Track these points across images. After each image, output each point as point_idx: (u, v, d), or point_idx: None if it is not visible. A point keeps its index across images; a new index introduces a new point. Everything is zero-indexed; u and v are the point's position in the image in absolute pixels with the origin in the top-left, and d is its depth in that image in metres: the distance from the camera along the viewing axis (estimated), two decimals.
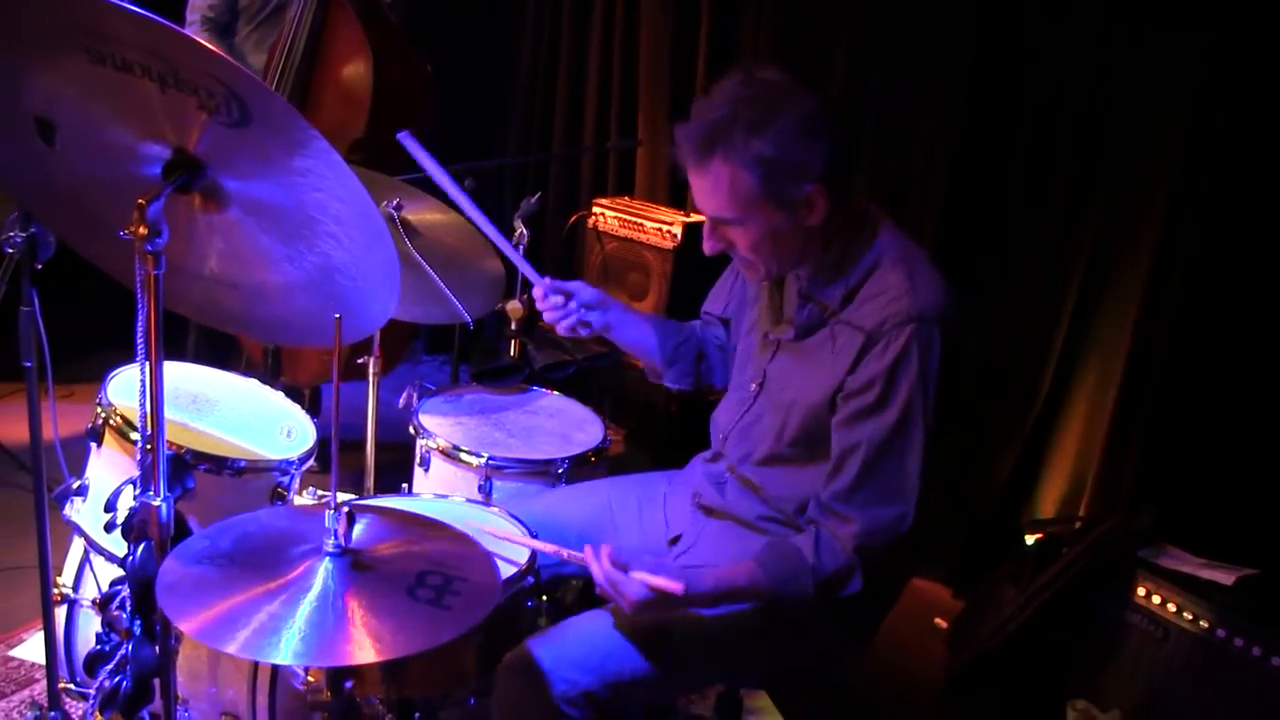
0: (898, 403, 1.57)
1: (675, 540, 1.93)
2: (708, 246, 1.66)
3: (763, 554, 1.66)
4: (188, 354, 3.46)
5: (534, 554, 1.77)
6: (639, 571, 1.58)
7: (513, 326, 2.74)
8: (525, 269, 2.00)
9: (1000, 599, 2.65)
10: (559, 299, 1.91)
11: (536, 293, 1.95)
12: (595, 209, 3.43)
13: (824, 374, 1.65)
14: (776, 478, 1.77)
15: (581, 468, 2.24)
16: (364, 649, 1.23)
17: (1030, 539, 2.69)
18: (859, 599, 1.66)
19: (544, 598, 1.86)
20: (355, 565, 1.35)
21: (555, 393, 2.61)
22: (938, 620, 2.91)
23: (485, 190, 4.35)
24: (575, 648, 1.66)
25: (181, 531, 1.39)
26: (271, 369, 3.19)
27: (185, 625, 1.23)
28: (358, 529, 1.39)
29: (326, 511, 1.34)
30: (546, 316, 1.93)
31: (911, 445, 1.58)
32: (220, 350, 3.48)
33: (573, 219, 3.62)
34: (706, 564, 1.78)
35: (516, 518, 1.92)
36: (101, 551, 1.91)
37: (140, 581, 1.36)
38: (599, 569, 1.59)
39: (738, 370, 1.89)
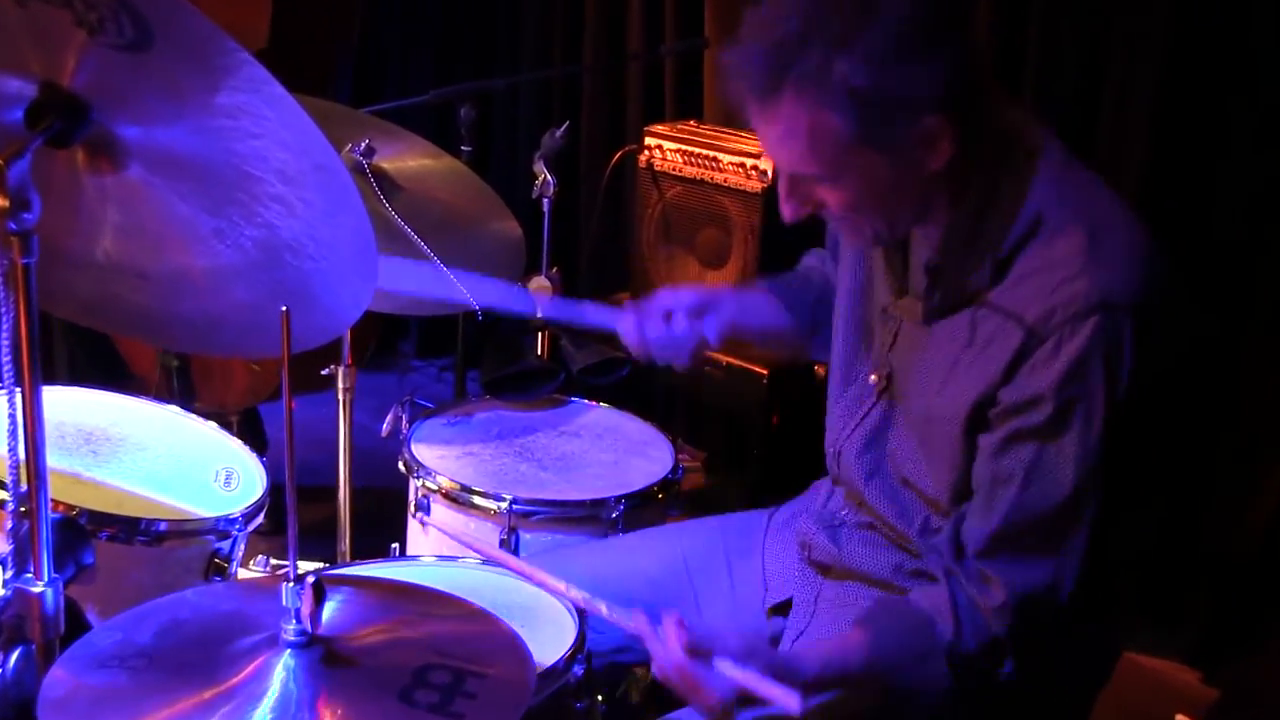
0: (1072, 429, 1.55)
1: (781, 609, 1.92)
2: (786, 211, 1.66)
3: (873, 620, 1.65)
4: (57, 374, 3.48)
5: (582, 628, 1.77)
6: (727, 664, 1.54)
7: (539, 314, 2.75)
8: (597, 317, 2.02)
9: None
10: (658, 324, 1.94)
11: (627, 334, 1.98)
12: (649, 141, 3.41)
13: (962, 378, 1.64)
14: (917, 515, 1.76)
15: (644, 510, 2.24)
16: None
17: None
18: (1032, 689, 1.64)
19: (599, 696, 1.86)
20: (328, 659, 1.35)
21: (603, 405, 2.61)
22: (1180, 718, 2.84)
23: (492, 123, 4.40)
24: None
25: (76, 627, 1.40)
26: (179, 392, 3.21)
27: None
28: (330, 608, 1.39)
29: (284, 586, 1.34)
30: (658, 356, 1.96)
31: (1083, 488, 1.56)
32: (101, 367, 3.51)
33: (617, 157, 3.60)
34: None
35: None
36: None
37: (13, 702, 1.37)
38: (662, 649, 1.55)
39: (842, 348, 1.88)
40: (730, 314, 1.97)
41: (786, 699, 1.49)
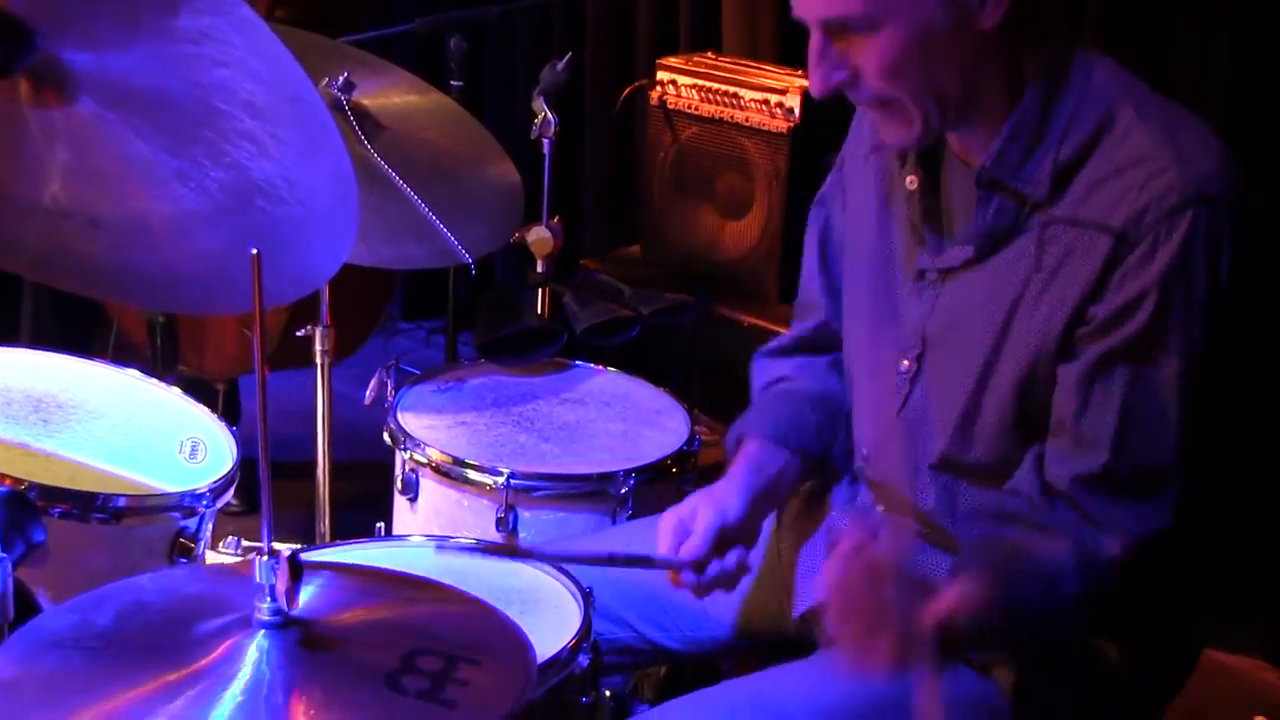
0: (1175, 340, 1.55)
1: (809, 618, 1.88)
2: (816, 80, 1.63)
3: (1000, 575, 1.62)
4: (21, 335, 3.50)
5: (587, 613, 1.78)
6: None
7: (539, 268, 2.74)
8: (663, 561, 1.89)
9: None
10: (708, 561, 1.81)
11: (679, 576, 1.84)
12: (661, 75, 3.40)
13: (1033, 311, 1.63)
14: (967, 502, 1.75)
15: (656, 486, 2.24)
16: None
17: None
18: (1119, 681, 1.65)
19: (606, 692, 1.87)
20: (306, 642, 1.35)
21: (611, 370, 2.60)
22: (1258, 718, 2.85)
23: (486, 55, 4.38)
24: None
25: (26, 613, 1.40)
26: (163, 354, 3.22)
27: None
28: (309, 590, 1.39)
29: (257, 560, 1.34)
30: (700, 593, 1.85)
31: (1190, 410, 1.56)
32: (75, 328, 3.52)
33: (626, 93, 3.59)
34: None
35: (561, 569, 1.92)
36: None
37: None
38: (844, 547, 1.53)
39: (867, 346, 1.86)
40: (771, 508, 1.91)
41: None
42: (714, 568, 1.80)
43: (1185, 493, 1.59)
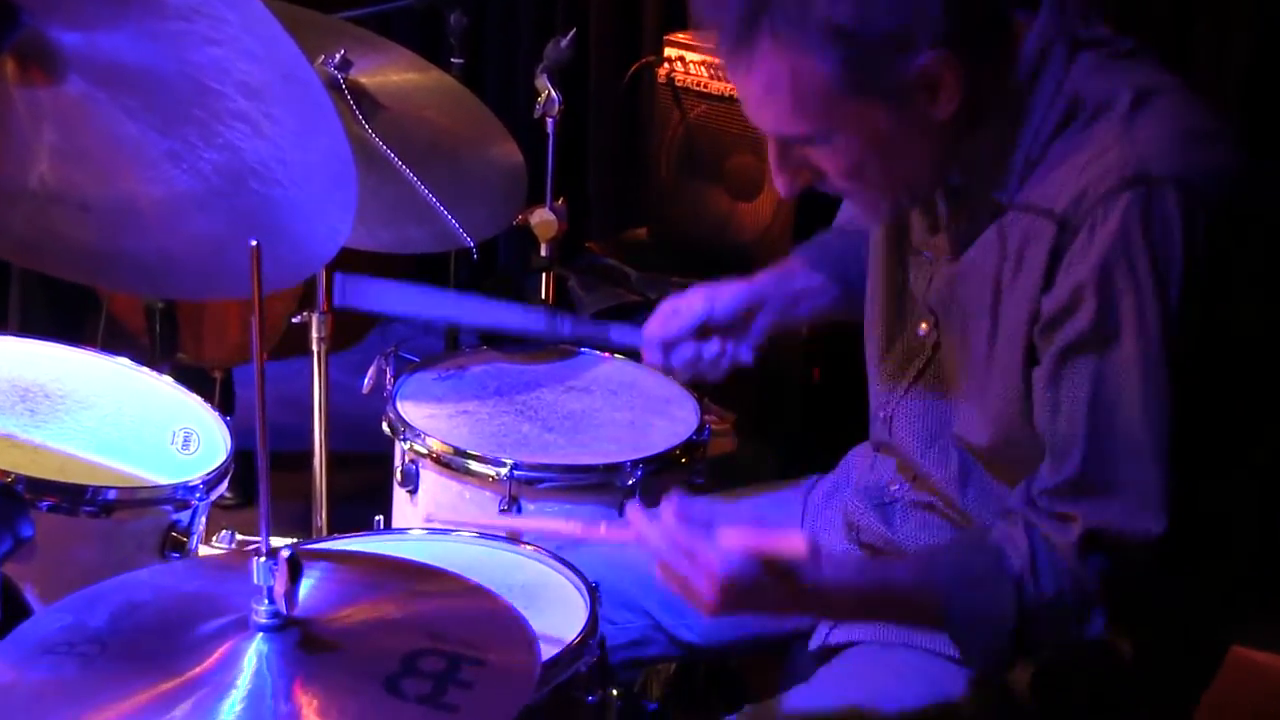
0: (1124, 332, 1.52)
1: None
2: (780, 184, 1.68)
3: (944, 547, 1.67)
4: (9, 322, 3.49)
5: (593, 607, 1.78)
6: (732, 531, 1.56)
7: (543, 252, 2.74)
8: (622, 336, 2.07)
9: None
10: (686, 348, 1.96)
11: (650, 356, 2.01)
12: (669, 51, 3.40)
13: (1008, 300, 1.62)
14: (981, 491, 1.76)
15: (664, 477, 2.23)
16: None
17: None
18: (1138, 678, 1.64)
19: (614, 691, 1.86)
20: (305, 643, 1.35)
21: (618, 356, 2.60)
22: None
23: (487, 30, 4.37)
24: None
25: (13, 610, 1.41)
26: (161, 342, 3.23)
27: None
28: (307, 585, 1.39)
29: (254, 561, 1.34)
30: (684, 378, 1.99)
31: (1157, 399, 1.53)
32: (65, 315, 3.53)
33: (632, 70, 3.60)
34: (867, 643, 1.79)
35: (564, 562, 1.93)
36: None
37: None
38: (650, 528, 1.59)
39: (882, 298, 1.87)
40: (774, 315, 2.01)
41: (791, 545, 1.54)
42: (687, 351, 1.96)
43: (1179, 487, 1.55)
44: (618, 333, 2.09)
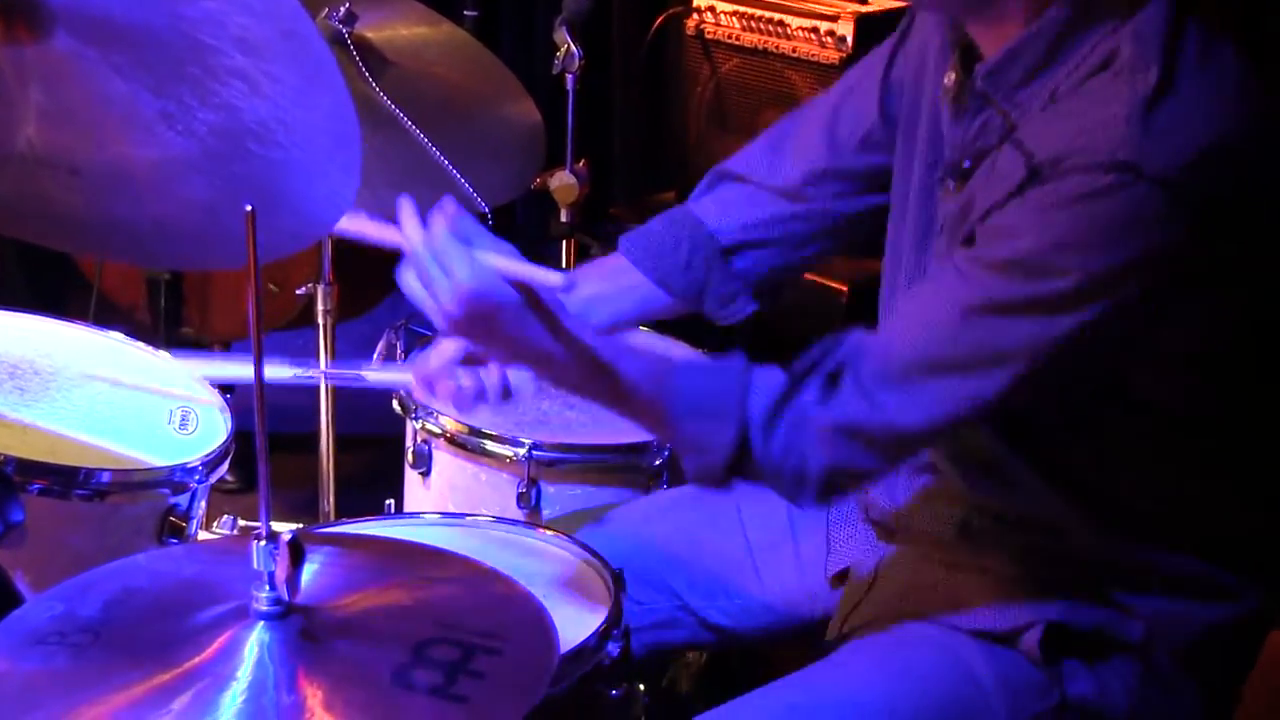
0: (1030, 279, 1.53)
1: (841, 578, 1.95)
2: None
3: (683, 366, 1.74)
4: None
5: (617, 596, 1.80)
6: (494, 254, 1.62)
7: (564, 218, 2.74)
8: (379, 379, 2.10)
9: None
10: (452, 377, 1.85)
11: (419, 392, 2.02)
12: (698, 1, 3.39)
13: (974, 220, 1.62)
14: (976, 452, 1.75)
15: None
16: None
17: None
18: (1175, 665, 1.68)
19: (640, 685, 1.87)
20: (309, 632, 1.35)
21: (644, 329, 2.60)
22: None
23: None
24: None
25: (3, 599, 1.42)
26: (166, 314, 3.24)
27: None
28: (310, 571, 1.39)
29: (254, 544, 1.34)
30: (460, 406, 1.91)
31: (995, 368, 1.56)
32: (51, 286, 3.55)
33: (659, 21, 3.58)
34: (877, 638, 1.81)
35: (587, 548, 1.93)
36: None
37: None
38: (416, 231, 1.62)
39: (908, 239, 1.85)
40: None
41: (542, 277, 1.60)
42: (454, 382, 1.83)
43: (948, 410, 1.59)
44: (374, 374, 2.10)
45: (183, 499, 2.00)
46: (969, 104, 1.67)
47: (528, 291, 1.60)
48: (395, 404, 2.36)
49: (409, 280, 1.64)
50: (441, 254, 1.60)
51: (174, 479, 1.99)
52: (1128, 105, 1.51)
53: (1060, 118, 1.56)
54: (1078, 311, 1.52)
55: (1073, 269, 1.51)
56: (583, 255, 2.75)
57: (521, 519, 2.13)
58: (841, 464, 1.63)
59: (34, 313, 2.30)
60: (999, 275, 1.55)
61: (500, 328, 1.62)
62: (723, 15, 3.30)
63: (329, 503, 2.61)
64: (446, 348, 1.83)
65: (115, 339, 2.28)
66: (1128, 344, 1.59)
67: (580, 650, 1.71)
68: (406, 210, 1.64)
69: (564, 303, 1.63)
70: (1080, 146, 1.51)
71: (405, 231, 1.63)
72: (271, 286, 3.22)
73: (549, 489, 2.21)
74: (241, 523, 2.19)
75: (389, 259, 1.68)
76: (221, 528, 2.19)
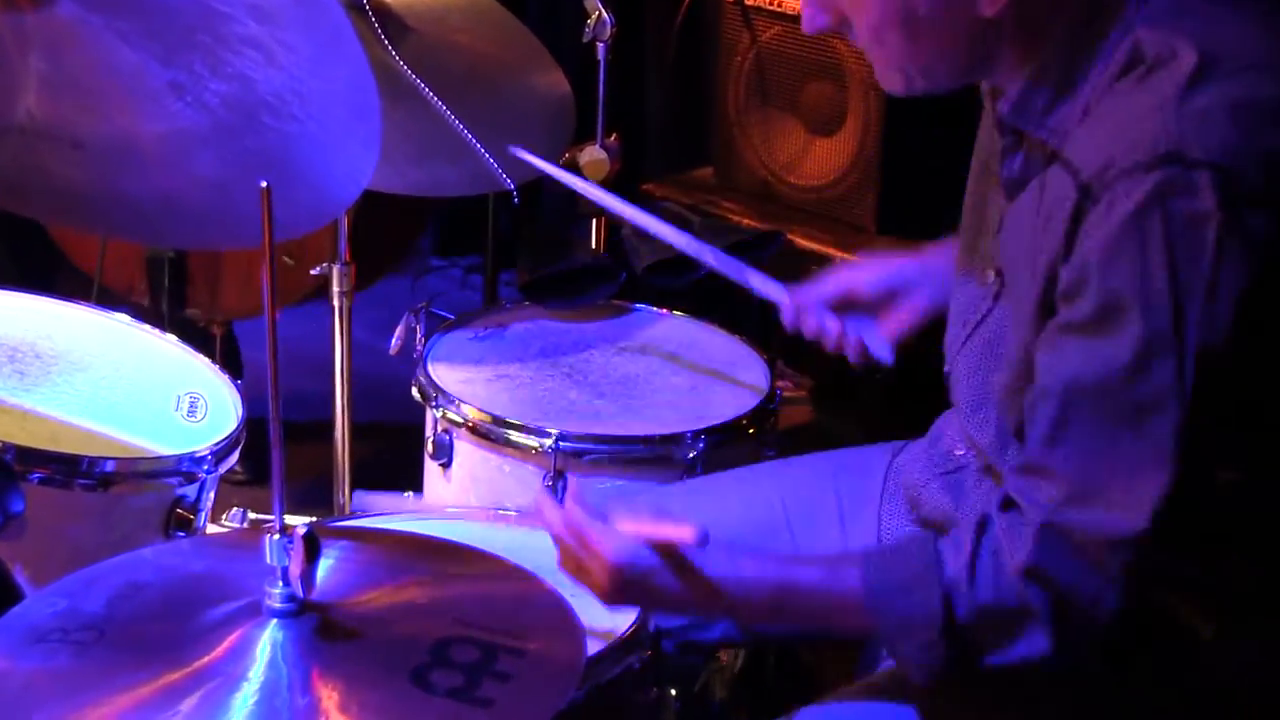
0: (1127, 324, 1.49)
1: None
2: (805, 18, 1.71)
3: (859, 554, 1.71)
4: None
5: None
6: (629, 519, 1.66)
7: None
8: (762, 286, 2.15)
9: None
10: (816, 318, 2.08)
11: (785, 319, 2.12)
12: None
13: (1037, 261, 1.60)
14: (1013, 459, 1.72)
15: (729, 450, 2.25)
16: None
17: None
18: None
19: (670, 689, 1.87)
20: (324, 630, 1.36)
21: (677, 314, 2.60)
22: None
23: None
24: None
25: (3, 593, 1.42)
26: (171, 292, 3.24)
27: None
28: (325, 566, 1.40)
29: (267, 538, 1.35)
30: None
31: (1153, 416, 1.50)
32: (43, 265, 3.54)
33: None
34: None
35: None
36: None
37: None
38: (553, 511, 1.69)
39: (966, 239, 1.88)
40: (924, 303, 2.06)
41: (679, 533, 1.63)
42: (819, 319, 2.07)
43: (1148, 506, 1.52)
44: (758, 279, 2.14)
45: (191, 490, 2.01)
46: (1008, 140, 1.69)
47: (668, 551, 1.64)
48: (415, 391, 2.36)
49: (563, 567, 1.71)
50: (583, 534, 1.65)
51: (182, 468, 1.99)
52: (1160, 97, 1.50)
53: (1098, 126, 1.56)
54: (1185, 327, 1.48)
55: (1142, 290, 1.48)
56: (612, 234, 2.74)
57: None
58: (1059, 600, 1.58)
59: (37, 292, 2.30)
60: (1100, 328, 1.53)
61: (656, 591, 1.66)
62: None
63: (344, 495, 2.61)
64: (826, 285, 2.07)
65: (120, 320, 2.28)
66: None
67: (609, 652, 1.71)
68: (544, 498, 1.73)
69: (707, 551, 1.66)
70: (1121, 150, 1.50)
71: (544, 518, 1.70)
72: (287, 259, 3.20)
73: (576, 481, 2.20)
74: (252, 515, 2.20)
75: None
76: (230, 521, 2.19)
